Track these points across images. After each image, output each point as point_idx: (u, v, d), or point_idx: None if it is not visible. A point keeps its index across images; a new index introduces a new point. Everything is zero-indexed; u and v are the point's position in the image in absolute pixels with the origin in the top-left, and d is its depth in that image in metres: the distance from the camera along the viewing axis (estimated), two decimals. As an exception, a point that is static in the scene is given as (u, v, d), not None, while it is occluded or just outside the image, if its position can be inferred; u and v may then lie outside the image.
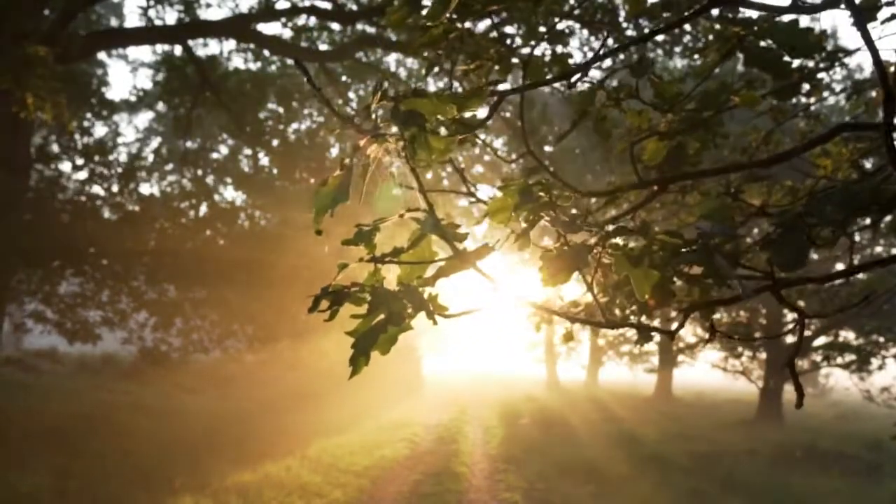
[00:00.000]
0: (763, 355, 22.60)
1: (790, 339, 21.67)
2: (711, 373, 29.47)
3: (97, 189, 13.66)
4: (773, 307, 20.18)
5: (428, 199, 1.20)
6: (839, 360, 19.87)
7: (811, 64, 2.26)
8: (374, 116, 1.17)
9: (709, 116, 1.54)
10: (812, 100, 2.93)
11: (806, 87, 2.71)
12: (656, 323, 3.51)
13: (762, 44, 1.40)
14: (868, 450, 14.40)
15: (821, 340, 21.06)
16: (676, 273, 1.23)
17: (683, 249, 1.17)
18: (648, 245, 1.21)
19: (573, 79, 1.69)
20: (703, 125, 1.56)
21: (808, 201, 1.19)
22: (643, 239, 1.23)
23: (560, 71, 1.77)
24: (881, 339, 19.17)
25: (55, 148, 13.27)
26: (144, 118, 32.33)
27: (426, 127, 1.11)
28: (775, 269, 1.21)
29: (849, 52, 2.35)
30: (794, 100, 2.95)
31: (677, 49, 11.00)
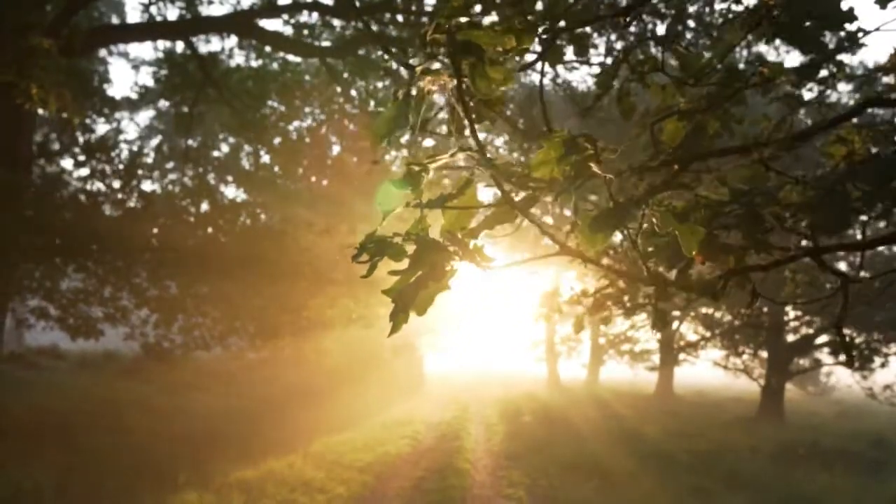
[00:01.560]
0: (764, 354, 22.57)
1: (791, 337, 21.64)
2: (713, 371, 29.46)
3: (99, 186, 13.63)
4: (776, 304, 20.14)
5: (478, 138, 1.16)
6: (842, 356, 19.82)
7: (832, 46, 2.23)
8: (428, 49, 1.14)
9: (735, 90, 1.51)
10: (827, 87, 2.91)
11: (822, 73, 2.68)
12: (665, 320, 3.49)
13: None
14: (871, 447, 14.38)
15: (821, 340, 21.04)
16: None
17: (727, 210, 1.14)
18: (693, 203, 1.18)
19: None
20: (729, 100, 1.53)
21: (846, 168, 1.16)
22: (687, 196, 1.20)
23: (578, 51, 1.74)
24: (881, 337, 19.13)
25: (57, 145, 13.25)
26: (146, 116, 32.29)
27: (484, 57, 1.08)
28: (816, 234, 1.19)
29: (867, 32, 2.32)
30: (809, 87, 2.92)
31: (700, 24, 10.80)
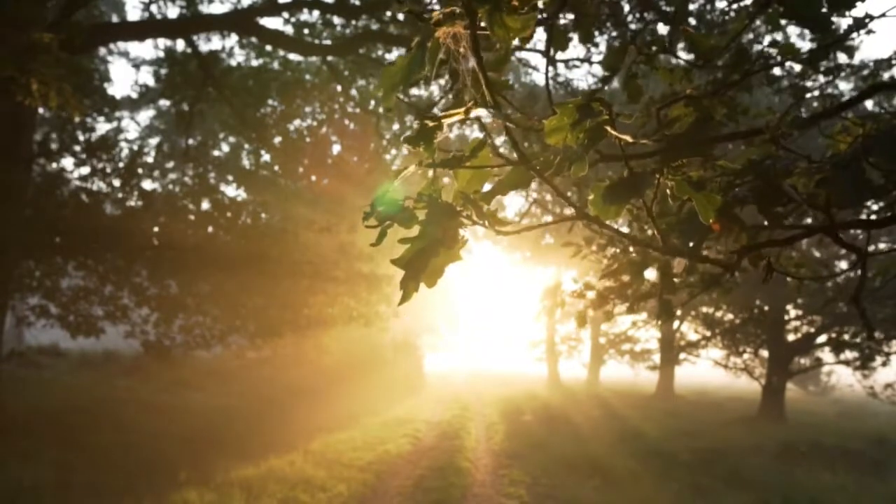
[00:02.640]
0: (765, 353, 22.56)
1: (791, 336, 21.62)
2: (713, 371, 29.46)
3: (99, 185, 13.62)
4: (776, 303, 20.13)
5: (493, 92, 1.13)
6: (846, 354, 19.82)
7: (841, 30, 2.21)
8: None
9: (744, 73, 1.49)
10: (832, 77, 2.90)
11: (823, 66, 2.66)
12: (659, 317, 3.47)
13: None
14: (872, 446, 14.36)
15: (821, 339, 21.04)
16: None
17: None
18: (709, 172, 1.16)
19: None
20: (737, 85, 1.51)
21: (863, 141, 1.15)
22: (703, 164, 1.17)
23: (583, 36, 1.72)
24: (882, 336, 19.11)
25: (57, 144, 13.22)
26: (146, 115, 32.30)
27: (501, 4, 1.05)
28: (832, 210, 1.17)
29: (874, 18, 2.30)
30: (813, 77, 2.91)
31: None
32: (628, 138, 1.13)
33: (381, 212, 1.15)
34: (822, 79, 3.35)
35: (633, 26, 9.84)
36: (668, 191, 1.22)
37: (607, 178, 1.20)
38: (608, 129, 1.15)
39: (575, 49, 32.16)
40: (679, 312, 26.78)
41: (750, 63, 1.49)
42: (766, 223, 1.22)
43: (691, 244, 1.25)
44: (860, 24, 1.99)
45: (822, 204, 1.16)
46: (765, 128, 1.29)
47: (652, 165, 1.24)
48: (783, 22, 1.58)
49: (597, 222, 1.23)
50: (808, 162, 1.17)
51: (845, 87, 14.64)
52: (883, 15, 1.79)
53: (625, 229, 3.41)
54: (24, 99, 5.33)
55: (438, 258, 1.16)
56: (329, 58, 15.44)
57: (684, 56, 1.60)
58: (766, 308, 20.14)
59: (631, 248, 3.06)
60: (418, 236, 1.17)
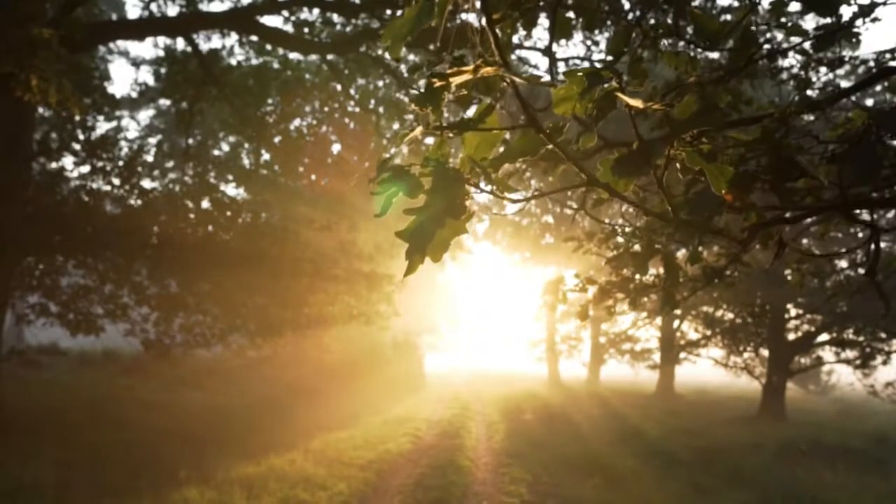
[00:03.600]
0: (765, 352, 22.55)
1: (791, 335, 21.61)
2: (713, 370, 29.45)
3: (99, 183, 13.60)
4: (776, 302, 20.11)
5: (503, 52, 1.10)
6: (847, 353, 19.81)
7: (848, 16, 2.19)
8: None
9: (750, 56, 1.47)
10: (834, 67, 2.89)
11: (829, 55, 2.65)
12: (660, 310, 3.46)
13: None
14: (873, 444, 14.36)
15: (822, 338, 21.03)
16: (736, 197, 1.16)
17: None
18: (721, 143, 1.15)
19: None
20: (742, 70, 1.49)
21: (874, 113, 1.13)
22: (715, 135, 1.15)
23: (587, 23, 1.71)
24: (883, 335, 19.10)
25: (57, 143, 13.21)
26: (146, 115, 32.29)
27: None
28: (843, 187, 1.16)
29: (878, 4, 2.27)
30: (816, 68, 2.90)
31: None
32: (639, 103, 1.11)
33: (386, 178, 1.13)
34: (824, 70, 3.34)
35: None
36: (678, 165, 1.21)
37: (616, 151, 1.19)
38: (618, 96, 1.13)
39: (575, 47, 32.13)
40: (679, 311, 26.80)
41: (756, 46, 1.48)
42: (777, 203, 1.20)
43: (703, 218, 1.23)
44: (866, 10, 1.98)
45: (835, 180, 1.15)
46: (775, 112, 1.27)
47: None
48: (788, 8, 1.56)
49: (609, 190, 1.21)
50: (818, 142, 1.15)
51: (847, 85, 14.63)
52: (884, 3, 1.78)
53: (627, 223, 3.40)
54: (23, 95, 5.32)
55: (444, 229, 1.13)
56: (329, 56, 15.43)
57: (690, 40, 1.58)
58: (767, 307, 20.12)
59: (631, 243, 3.05)
60: (424, 206, 1.15)
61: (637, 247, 2.63)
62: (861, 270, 18.00)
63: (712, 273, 3.33)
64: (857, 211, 1.36)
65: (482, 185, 1.17)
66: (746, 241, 1.32)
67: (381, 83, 18.50)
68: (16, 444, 9.08)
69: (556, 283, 3.17)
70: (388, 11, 13.13)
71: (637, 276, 3.44)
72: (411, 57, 15.38)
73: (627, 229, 2.84)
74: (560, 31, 1.77)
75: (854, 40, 2.09)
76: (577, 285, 3.16)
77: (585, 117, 1.18)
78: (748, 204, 1.12)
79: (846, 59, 3.03)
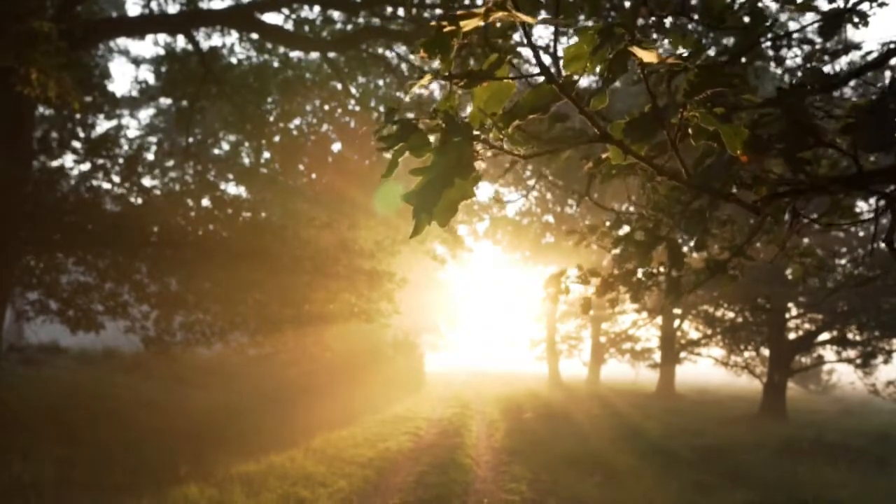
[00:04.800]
0: (766, 352, 22.54)
1: (792, 335, 21.58)
2: (714, 370, 29.43)
3: (100, 181, 13.59)
4: (777, 301, 20.09)
5: None
6: (848, 352, 19.81)
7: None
8: None
9: (758, 35, 1.45)
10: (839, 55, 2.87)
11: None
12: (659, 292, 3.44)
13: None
14: (875, 443, 14.33)
15: (823, 337, 21.02)
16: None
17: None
18: (735, 104, 1.12)
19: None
20: (750, 50, 1.47)
21: (889, 85, 1.11)
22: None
23: (591, 10, 1.68)
24: (884, 335, 19.09)
25: (57, 140, 13.20)
26: (146, 114, 32.29)
27: None
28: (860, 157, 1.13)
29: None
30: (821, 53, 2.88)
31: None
32: (653, 57, 1.08)
33: (392, 134, 1.10)
34: (827, 59, 3.32)
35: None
36: (689, 132, 1.18)
37: (627, 115, 1.16)
38: (631, 51, 1.10)
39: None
40: (680, 311, 26.78)
41: (764, 25, 1.45)
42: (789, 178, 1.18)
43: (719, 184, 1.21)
44: (877, -5, 1.97)
45: (849, 149, 1.12)
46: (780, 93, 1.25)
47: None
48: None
49: (622, 147, 1.18)
50: (828, 116, 1.13)
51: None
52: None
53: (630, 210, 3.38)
54: (23, 89, 5.30)
55: (452, 190, 1.11)
56: (330, 55, 15.42)
57: (697, 20, 1.56)
58: (768, 306, 20.10)
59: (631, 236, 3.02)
60: (431, 165, 1.12)
61: (640, 234, 2.61)
62: (861, 269, 17.97)
63: (715, 266, 3.31)
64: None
65: (492, 141, 1.14)
66: (761, 210, 1.29)
67: (381, 82, 18.49)
68: (15, 441, 9.06)
69: (558, 276, 3.15)
70: (389, 9, 13.13)
71: (640, 271, 3.42)
72: (411, 57, 15.38)
73: (632, 210, 2.82)
74: (565, 10, 1.75)
75: (862, 22, 2.06)
76: (579, 277, 3.14)
77: (599, 77, 1.15)
78: (764, 173, 1.10)
79: (851, 47, 3.01)
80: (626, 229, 2.81)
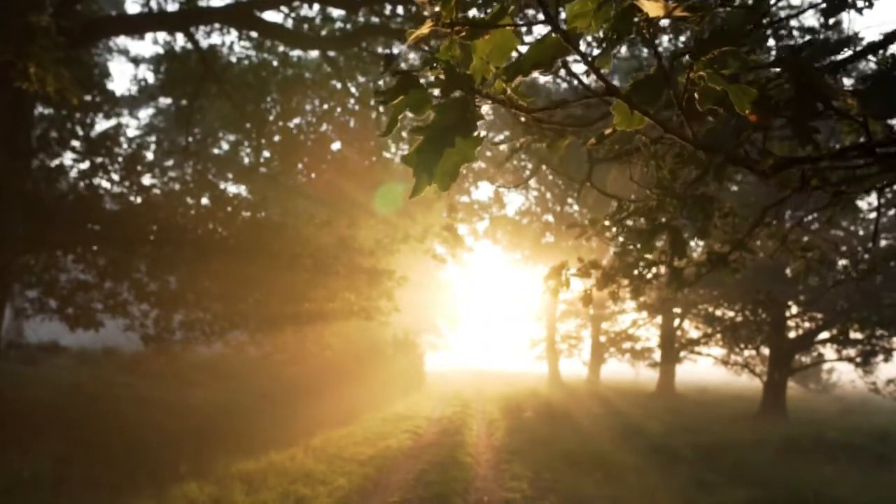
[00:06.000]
0: (766, 351, 22.53)
1: (792, 333, 21.56)
2: (714, 369, 29.42)
3: (99, 180, 13.57)
4: (777, 300, 20.07)
5: None
6: (849, 350, 19.79)
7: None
8: None
9: (762, 14, 1.43)
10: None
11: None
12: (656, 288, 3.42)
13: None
14: (876, 441, 14.31)
15: (823, 336, 21.01)
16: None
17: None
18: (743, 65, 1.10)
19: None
20: (755, 30, 1.44)
21: None
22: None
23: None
24: (884, 333, 19.07)
25: (57, 139, 13.18)
26: (145, 114, 32.26)
27: None
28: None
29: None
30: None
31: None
32: (659, 10, 1.05)
33: (391, 88, 1.08)
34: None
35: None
36: (696, 96, 1.16)
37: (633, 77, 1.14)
38: (638, 3, 1.08)
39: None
40: (680, 310, 26.76)
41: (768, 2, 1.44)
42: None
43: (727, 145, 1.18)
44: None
45: (859, 116, 1.10)
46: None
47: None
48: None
49: (629, 102, 1.16)
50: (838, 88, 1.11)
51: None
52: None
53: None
54: (21, 84, 5.28)
55: (453, 151, 1.08)
56: (329, 53, 15.41)
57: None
58: (767, 301, 20.06)
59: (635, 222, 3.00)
60: (432, 122, 1.09)
61: (642, 221, 2.60)
62: (860, 269, 17.92)
63: (717, 259, 3.29)
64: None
65: (494, 95, 1.11)
66: (769, 175, 1.27)
67: (381, 82, 18.48)
68: (15, 439, 9.04)
69: (559, 269, 3.13)
70: (389, 7, 13.11)
71: (641, 265, 3.40)
72: (412, 55, 15.36)
73: (634, 199, 2.79)
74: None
75: (867, 4, 2.04)
76: (580, 270, 3.12)
77: (604, 38, 1.13)
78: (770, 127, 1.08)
79: (852, 38, 2.99)
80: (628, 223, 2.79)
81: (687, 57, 1.11)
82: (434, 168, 1.07)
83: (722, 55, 1.09)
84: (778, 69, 1.14)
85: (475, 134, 1.09)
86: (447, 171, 1.09)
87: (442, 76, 1.07)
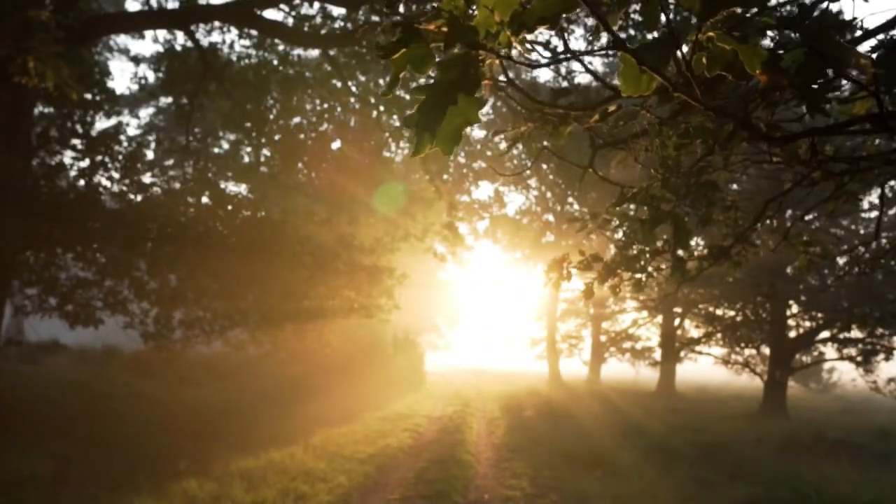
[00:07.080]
0: (766, 350, 22.52)
1: (793, 333, 21.55)
2: (714, 369, 29.40)
3: (99, 178, 13.56)
4: (777, 299, 20.06)
5: None
6: (849, 350, 19.77)
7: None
8: None
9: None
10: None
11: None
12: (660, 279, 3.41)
13: None
14: (877, 440, 14.29)
15: (823, 335, 20.99)
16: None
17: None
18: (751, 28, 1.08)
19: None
20: (761, 14, 1.42)
21: None
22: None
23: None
24: (885, 332, 19.05)
25: (57, 137, 13.16)
26: (145, 113, 32.26)
27: None
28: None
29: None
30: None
31: None
32: None
33: (395, 40, 1.06)
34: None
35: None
36: (704, 60, 1.14)
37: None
38: None
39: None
40: (680, 309, 26.74)
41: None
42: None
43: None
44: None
45: (869, 85, 1.08)
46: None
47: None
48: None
49: (636, 57, 1.14)
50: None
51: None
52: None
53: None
54: (20, 78, 5.26)
55: (455, 112, 1.06)
56: (330, 52, 15.39)
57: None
58: (771, 297, 20.04)
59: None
60: (434, 80, 1.07)
61: (644, 211, 2.58)
62: (862, 263, 17.91)
63: (719, 252, 3.27)
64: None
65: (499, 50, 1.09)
66: (779, 142, 1.25)
67: (381, 81, 18.45)
68: (14, 437, 9.03)
69: (560, 261, 3.11)
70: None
71: (643, 259, 3.39)
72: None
73: (635, 188, 2.78)
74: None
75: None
76: (582, 262, 3.10)
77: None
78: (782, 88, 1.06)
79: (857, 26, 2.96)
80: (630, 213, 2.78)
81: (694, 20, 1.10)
82: (436, 127, 1.05)
83: (731, 16, 1.08)
84: (787, 30, 1.13)
85: (478, 95, 1.07)
86: (450, 134, 1.06)
87: (444, 28, 1.04)
